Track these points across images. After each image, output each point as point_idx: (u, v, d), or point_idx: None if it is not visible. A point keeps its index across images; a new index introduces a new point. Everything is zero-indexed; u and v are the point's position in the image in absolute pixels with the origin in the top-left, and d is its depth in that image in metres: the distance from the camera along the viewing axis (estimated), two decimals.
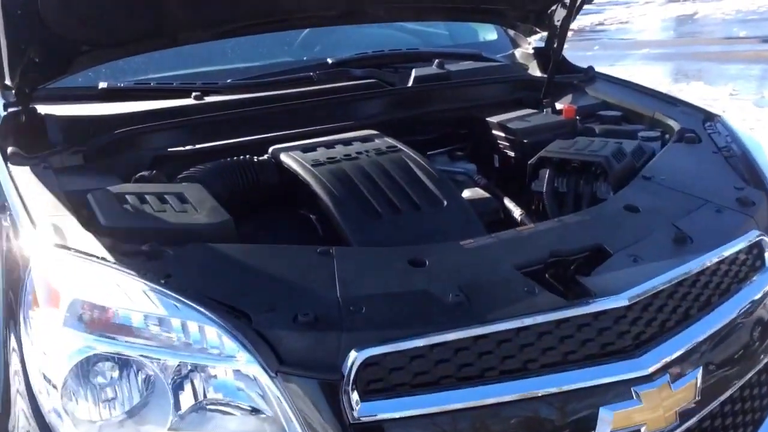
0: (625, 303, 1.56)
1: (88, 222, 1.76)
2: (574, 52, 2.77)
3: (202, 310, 1.45)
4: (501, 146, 2.58)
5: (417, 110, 2.65)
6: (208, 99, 2.45)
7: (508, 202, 2.33)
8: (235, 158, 2.21)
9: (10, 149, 2.11)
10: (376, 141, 2.30)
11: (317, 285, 1.56)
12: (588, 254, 1.75)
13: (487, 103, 2.78)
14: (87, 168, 2.18)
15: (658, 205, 1.95)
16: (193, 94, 2.44)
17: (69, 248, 1.61)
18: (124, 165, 2.22)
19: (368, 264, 1.66)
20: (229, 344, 1.42)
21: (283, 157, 2.18)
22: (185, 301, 1.47)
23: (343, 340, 1.42)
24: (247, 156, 2.23)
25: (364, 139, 2.31)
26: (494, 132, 2.59)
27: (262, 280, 1.58)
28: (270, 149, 2.25)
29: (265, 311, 1.47)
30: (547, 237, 1.79)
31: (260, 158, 2.24)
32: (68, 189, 1.99)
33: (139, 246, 1.65)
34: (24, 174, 2.02)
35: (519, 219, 2.25)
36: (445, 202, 2.01)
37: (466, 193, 2.34)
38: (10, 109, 2.22)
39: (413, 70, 2.78)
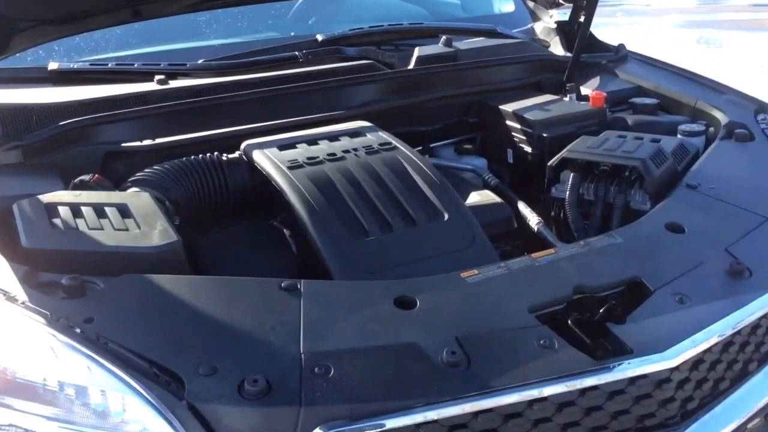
0: (672, 364, 1.21)
1: (6, 241, 1.44)
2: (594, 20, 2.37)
3: (119, 373, 1.12)
4: (516, 140, 2.21)
5: (419, 97, 2.28)
6: (174, 83, 2.10)
7: (524, 208, 1.98)
8: (200, 156, 1.86)
9: None
10: (368, 135, 1.94)
11: (276, 335, 1.22)
12: (622, 290, 1.40)
13: (500, 88, 2.41)
14: (25, 167, 1.85)
15: (708, 224, 1.59)
16: (157, 77, 2.09)
17: None
18: (71, 163, 1.89)
19: (344, 304, 1.31)
20: (153, 422, 1.09)
21: (256, 156, 1.84)
22: (100, 360, 1.14)
23: (303, 416, 1.09)
24: (215, 154, 1.89)
25: (354, 134, 1.95)
26: (508, 123, 2.23)
27: (205, 328, 1.24)
28: (242, 145, 1.91)
29: (204, 375, 1.14)
30: (570, 266, 1.44)
31: (230, 156, 1.90)
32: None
33: (62, 276, 1.32)
34: None
35: (536, 228, 1.90)
36: (446, 215, 1.66)
37: (474, 197, 1.99)
38: None
39: (416, 49, 2.41)
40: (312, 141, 1.90)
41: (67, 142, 1.91)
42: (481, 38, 2.58)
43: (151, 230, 1.47)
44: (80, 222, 1.49)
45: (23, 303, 1.24)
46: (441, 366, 1.17)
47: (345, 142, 1.89)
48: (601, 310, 1.33)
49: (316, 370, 1.15)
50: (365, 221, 1.60)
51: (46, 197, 1.57)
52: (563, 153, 1.87)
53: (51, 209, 1.53)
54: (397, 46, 2.55)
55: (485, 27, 2.60)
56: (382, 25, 2.48)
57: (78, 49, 2.24)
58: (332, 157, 1.80)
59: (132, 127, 1.97)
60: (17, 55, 2.05)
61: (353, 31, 2.42)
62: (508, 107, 2.24)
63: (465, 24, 2.64)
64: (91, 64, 2.14)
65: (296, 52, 2.24)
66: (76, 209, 1.53)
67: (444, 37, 2.47)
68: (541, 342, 1.23)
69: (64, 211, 1.52)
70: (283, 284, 1.33)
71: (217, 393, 1.11)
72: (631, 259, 1.46)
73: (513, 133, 2.21)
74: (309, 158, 1.79)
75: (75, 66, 2.12)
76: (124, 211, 1.53)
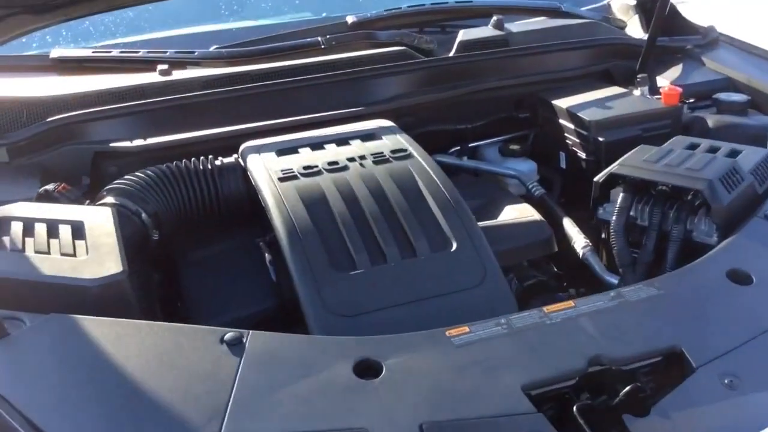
0: None
1: None
2: None
3: None
4: (569, 142, 1.88)
5: (459, 89, 1.98)
6: (178, 74, 1.88)
7: (570, 227, 1.67)
8: (190, 161, 1.65)
9: None
10: (384, 139, 1.67)
11: (197, 409, 0.99)
12: (655, 363, 1.08)
13: (559, 78, 2.07)
14: (7, 168, 1.70)
15: None
16: (159, 67, 1.88)
17: None
18: (59, 164, 1.73)
19: (292, 368, 1.06)
20: None
21: (250, 162, 1.61)
22: None
23: None
24: (208, 158, 1.67)
25: (368, 136, 1.68)
26: (561, 121, 1.89)
27: (118, 393, 1.02)
28: (241, 147, 1.68)
29: None
30: (591, 326, 1.12)
31: (225, 161, 1.68)
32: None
33: None
34: None
35: (581, 254, 1.59)
36: (455, 244, 1.37)
37: (509, 212, 1.69)
38: None
39: (460, 33, 2.10)
40: (317, 145, 1.65)
41: (55, 140, 1.74)
42: (541, 18, 2.22)
43: (99, 257, 1.27)
44: (29, 242, 1.31)
45: None
46: None
47: (354, 147, 1.63)
48: (621, 393, 1.02)
49: None
50: (354, 250, 1.34)
51: (2, 209, 1.40)
52: (613, 167, 1.53)
53: (3, 224, 1.36)
54: (444, 29, 2.25)
55: (546, 5, 2.24)
56: (423, 5, 2.18)
57: (86, 34, 2.06)
58: (333, 166, 1.54)
59: (126, 124, 1.78)
60: (23, 40, 1.90)
61: (389, 12, 2.13)
62: (563, 102, 1.90)
63: (522, 2, 2.28)
64: (93, 51, 1.96)
65: (319, 38, 1.98)
66: (29, 225, 1.35)
67: (494, 17, 2.14)
68: None
69: (15, 227, 1.34)
70: (225, 337, 1.10)
71: None
72: (671, 319, 1.14)
73: (566, 135, 1.88)
74: (306, 167, 1.54)
75: (77, 54, 1.95)
76: (77, 231, 1.33)
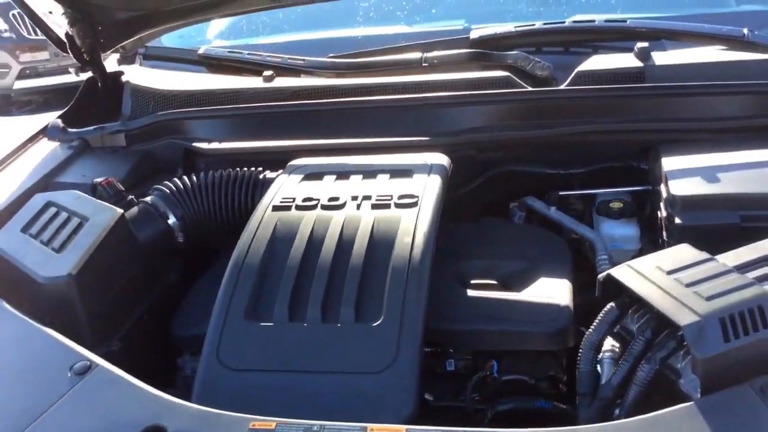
0: None
1: None
2: None
3: None
4: (659, 215, 1.51)
5: (559, 128, 1.69)
6: (278, 81, 1.93)
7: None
8: (234, 171, 1.70)
9: (52, 121, 1.99)
10: (412, 179, 1.53)
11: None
12: None
13: (705, 128, 1.64)
14: (117, 153, 1.95)
15: None
16: (264, 73, 1.95)
17: None
18: (162, 154, 1.94)
19: (104, 413, 1.08)
20: None
21: (275, 182, 1.61)
22: None
23: None
24: (254, 170, 1.70)
25: (400, 172, 1.56)
26: (662, 187, 1.52)
27: None
28: (288, 164, 1.68)
29: None
30: None
31: (268, 175, 1.69)
32: (61, 180, 1.80)
33: None
34: (41, 152, 1.90)
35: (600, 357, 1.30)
36: (382, 318, 1.22)
37: (539, 288, 1.44)
38: (88, 75, 2.09)
39: (590, 60, 1.78)
40: (344, 174, 1.58)
41: (162, 132, 1.93)
42: (712, 48, 1.77)
43: (66, 255, 1.41)
44: (49, 227, 1.51)
45: None
46: None
47: (371, 184, 1.52)
48: None
49: None
50: (279, 302, 1.27)
51: (55, 195, 1.62)
52: (616, 268, 1.20)
53: (46, 207, 1.57)
54: (597, 49, 1.92)
55: (725, 31, 1.76)
56: (563, 23, 1.87)
57: (238, 32, 2.21)
58: (332, 202, 1.46)
59: (217, 126, 1.89)
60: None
61: (520, 29, 1.88)
62: (674, 161, 1.52)
63: (690, 26, 1.80)
64: (229, 51, 2.10)
65: (421, 55, 1.85)
66: (55, 214, 1.54)
67: (639, 44, 1.75)
68: None
69: (48, 213, 1.55)
70: (75, 366, 1.15)
71: None
72: None
73: (660, 204, 1.51)
74: (306, 199, 1.49)
75: (214, 53, 2.11)
76: (78, 227, 1.49)
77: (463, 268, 1.51)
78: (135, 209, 1.63)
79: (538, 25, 1.88)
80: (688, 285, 1.09)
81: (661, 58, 1.75)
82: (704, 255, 1.16)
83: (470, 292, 1.44)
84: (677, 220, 1.38)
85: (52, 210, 1.54)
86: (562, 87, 1.73)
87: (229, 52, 2.10)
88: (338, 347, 1.21)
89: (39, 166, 1.84)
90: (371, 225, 1.38)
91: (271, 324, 1.25)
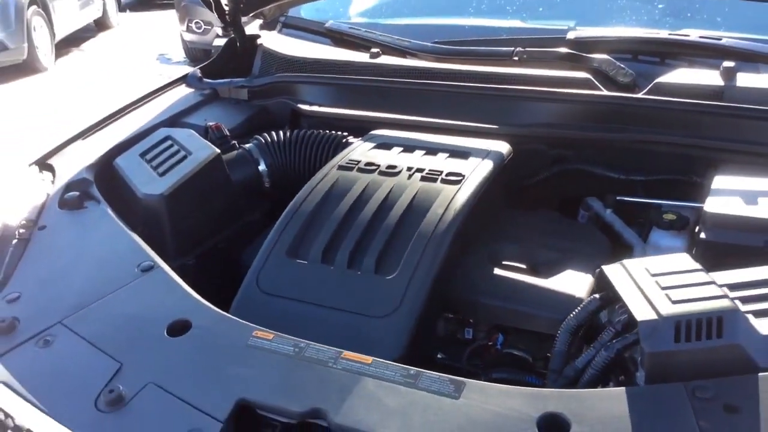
0: None
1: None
2: None
3: None
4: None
5: (627, 133, 1.75)
6: (382, 59, 2.12)
7: None
8: (322, 132, 1.92)
9: (192, 71, 2.30)
10: (468, 160, 1.67)
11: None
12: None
13: (765, 152, 1.64)
14: (239, 104, 2.22)
15: None
16: (372, 50, 2.15)
17: None
18: (276, 110, 2.19)
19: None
20: None
21: (352, 145, 1.80)
22: None
23: None
24: (339, 134, 1.91)
25: (459, 153, 1.70)
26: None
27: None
28: (370, 133, 1.87)
29: None
30: (331, 382, 1.11)
31: (349, 139, 1.89)
32: (186, 120, 2.10)
33: None
34: (178, 95, 2.22)
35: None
36: (396, 273, 1.39)
37: (561, 279, 1.53)
38: (229, 37, 2.39)
39: (673, 73, 1.80)
40: (410, 148, 1.75)
41: (277, 92, 2.19)
42: None
43: (166, 179, 1.68)
44: (161, 156, 1.79)
45: None
46: None
47: (430, 159, 1.68)
48: None
49: None
50: (316, 245, 1.47)
51: (174, 131, 1.91)
52: (605, 266, 1.28)
53: (162, 141, 1.86)
54: (693, 64, 1.93)
55: None
56: (686, 36, 1.89)
57: (376, 12, 2.42)
58: (389, 170, 1.64)
59: (321, 92, 2.11)
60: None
61: (617, 36, 1.93)
62: (722, 181, 1.54)
63: None
64: (350, 28, 2.31)
65: (514, 49, 1.96)
66: (169, 146, 1.83)
67: (725, 63, 1.76)
68: None
69: (165, 144, 1.84)
70: (142, 264, 1.42)
71: None
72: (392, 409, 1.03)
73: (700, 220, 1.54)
74: (368, 164, 1.68)
75: (337, 27, 2.33)
76: (181, 159, 1.76)
77: (500, 249, 1.62)
78: (234, 153, 1.89)
79: (634, 33, 1.93)
80: (663, 288, 1.16)
81: (745, 79, 1.74)
82: (696, 266, 1.21)
83: (497, 271, 1.55)
84: (702, 235, 1.42)
85: (168, 143, 1.83)
86: (637, 95, 1.77)
87: (350, 28, 2.31)
88: (353, 290, 1.38)
89: (172, 106, 2.15)
90: (414, 193, 1.55)
91: (306, 262, 1.46)
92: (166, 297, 1.34)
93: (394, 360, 1.24)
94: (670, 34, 1.90)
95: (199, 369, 1.17)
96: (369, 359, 1.16)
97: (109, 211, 1.62)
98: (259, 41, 2.39)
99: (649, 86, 1.79)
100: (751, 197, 1.46)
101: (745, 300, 1.18)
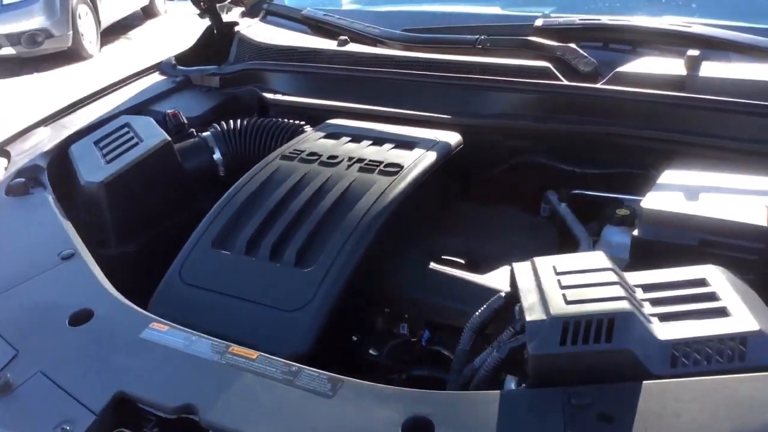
0: None
1: None
2: None
3: None
4: None
5: (580, 125, 1.68)
6: (350, 47, 2.08)
7: None
8: (277, 121, 1.89)
9: (167, 58, 2.30)
10: (412, 151, 1.62)
11: None
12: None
13: (725, 147, 1.55)
14: (210, 92, 2.21)
15: None
16: (339, 38, 2.11)
17: None
18: (245, 98, 2.17)
19: None
20: None
21: (303, 134, 1.78)
22: None
23: None
24: (295, 122, 1.88)
25: (405, 144, 1.66)
26: None
27: None
28: (325, 122, 1.84)
29: None
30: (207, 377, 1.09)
31: (306, 128, 1.86)
32: (154, 108, 2.11)
33: None
34: (150, 82, 2.23)
35: None
36: (314, 266, 1.35)
37: (494, 275, 1.48)
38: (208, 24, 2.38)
39: (635, 62, 1.72)
40: (358, 137, 1.71)
41: (246, 80, 2.17)
42: None
43: (108, 166, 1.67)
44: (115, 143, 1.79)
45: None
46: None
47: (375, 149, 1.64)
48: None
49: None
50: (241, 236, 1.45)
51: (133, 118, 1.91)
52: (516, 263, 1.22)
53: (119, 128, 1.86)
54: (665, 52, 1.83)
55: None
56: (628, 22, 1.80)
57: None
58: (330, 160, 1.61)
59: (288, 79, 2.09)
60: None
61: (584, 22, 1.85)
62: (669, 175, 1.46)
63: (753, 39, 1.64)
64: (324, 15, 2.27)
65: (478, 37, 1.89)
66: (125, 134, 1.82)
67: (689, 52, 1.66)
68: None
69: (121, 132, 1.84)
70: (62, 252, 1.42)
71: None
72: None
73: None
74: (310, 154, 1.64)
75: (312, 14, 2.29)
76: (132, 147, 1.75)
77: (441, 243, 1.58)
78: (189, 141, 1.88)
79: (603, 20, 1.84)
80: (563, 287, 1.10)
81: (710, 69, 1.64)
82: (607, 264, 1.15)
83: (432, 266, 1.51)
84: (635, 232, 1.35)
85: (125, 130, 1.84)
86: (588, 85, 1.69)
87: (324, 15, 2.27)
88: (271, 283, 1.36)
89: (142, 93, 2.16)
90: (348, 184, 1.51)
91: (229, 254, 1.43)
92: (77, 286, 1.33)
93: (297, 357, 1.21)
94: (638, 22, 1.81)
95: (88, 359, 1.16)
96: (254, 354, 1.13)
97: (50, 198, 1.63)
98: (236, 29, 2.37)
99: (609, 76, 1.71)
100: (693, 193, 1.37)
101: (656, 302, 1.12)
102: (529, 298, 1.10)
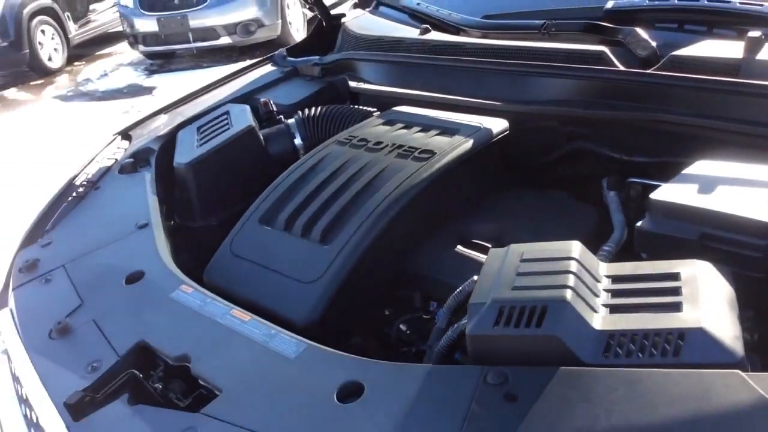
0: None
1: None
2: None
3: None
4: None
5: (626, 111, 1.64)
6: (430, 35, 2.16)
7: None
8: (353, 107, 2.03)
9: (280, 50, 2.53)
10: (453, 137, 1.69)
11: None
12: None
13: None
14: (312, 81, 2.40)
15: None
16: (422, 26, 2.19)
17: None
18: (339, 86, 2.34)
19: None
20: None
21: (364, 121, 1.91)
22: None
23: None
24: (367, 109, 2.01)
25: (448, 131, 1.73)
26: None
27: None
28: (390, 109, 1.95)
29: None
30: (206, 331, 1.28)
31: (375, 114, 1.98)
32: (260, 97, 2.34)
33: None
34: (262, 72, 2.47)
35: None
36: (332, 244, 1.49)
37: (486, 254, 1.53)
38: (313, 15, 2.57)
39: (693, 46, 1.63)
40: (410, 125, 1.81)
41: (341, 69, 2.33)
42: None
43: (197, 149, 1.92)
44: (212, 128, 2.05)
45: None
46: None
47: (419, 137, 1.73)
48: None
49: None
50: (283, 214, 1.62)
51: (234, 106, 2.15)
52: (494, 248, 1.26)
53: (221, 115, 2.12)
54: (741, 33, 1.72)
55: None
56: (698, 2, 1.69)
57: None
58: (376, 146, 1.73)
59: (373, 68, 2.22)
60: None
61: (654, 3, 1.78)
62: (700, 166, 1.40)
63: None
64: (417, 4, 2.36)
65: (545, 22, 1.89)
66: (223, 120, 2.07)
67: (750, 33, 1.54)
68: None
69: (221, 118, 2.09)
70: (139, 222, 1.68)
71: None
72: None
73: None
74: (361, 139, 1.77)
75: (407, 3, 2.39)
76: (223, 131, 1.99)
77: (474, 228, 1.64)
78: (275, 127, 2.08)
79: (676, 1, 1.76)
80: (518, 274, 1.15)
81: None
82: (575, 254, 1.17)
83: (459, 249, 1.57)
84: (638, 223, 1.33)
85: (224, 117, 2.08)
86: (636, 71, 1.64)
87: (417, 4, 2.37)
88: (298, 257, 1.51)
89: (253, 82, 2.40)
90: (381, 169, 1.62)
91: (271, 229, 1.61)
92: (140, 251, 1.58)
93: (307, 325, 1.36)
94: (710, 1, 1.71)
95: (128, 312, 1.39)
96: (247, 317, 1.30)
97: (148, 176, 1.90)
98: (343, 20, 2.53)
99: (663, 61, 1.64)
100: (711, 185, 1.32)
101: (617, 293, 1.13)
102: (483, 282, 1.16)
